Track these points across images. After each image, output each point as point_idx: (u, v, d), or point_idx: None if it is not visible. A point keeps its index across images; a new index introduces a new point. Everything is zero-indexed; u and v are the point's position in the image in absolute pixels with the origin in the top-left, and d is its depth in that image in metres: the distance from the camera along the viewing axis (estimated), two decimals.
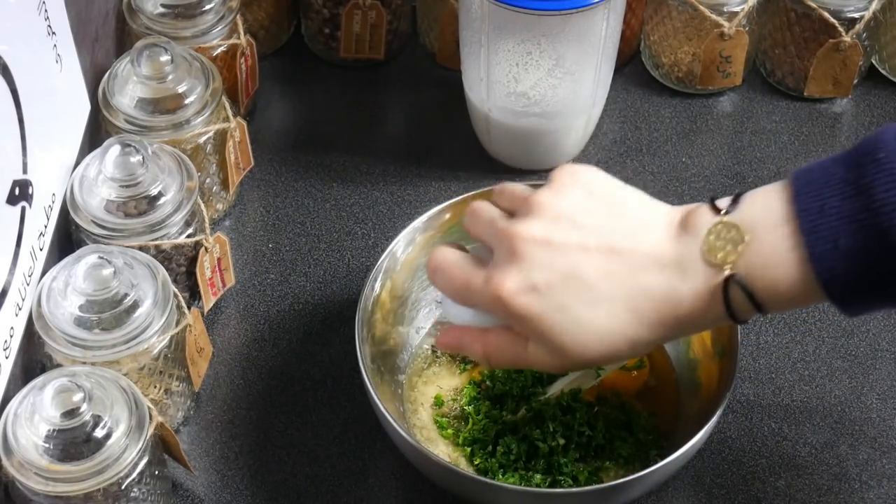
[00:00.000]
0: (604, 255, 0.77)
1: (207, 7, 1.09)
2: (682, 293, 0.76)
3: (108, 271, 0.89)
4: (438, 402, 0.97)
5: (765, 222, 0.74)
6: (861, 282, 0.72)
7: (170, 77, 1.02)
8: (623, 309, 0.77)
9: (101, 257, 0.89)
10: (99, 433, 0.83)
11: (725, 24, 1.15)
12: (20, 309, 0.90)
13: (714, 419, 0.86)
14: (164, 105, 1.02)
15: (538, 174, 1.15)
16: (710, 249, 0.75)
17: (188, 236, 0.99)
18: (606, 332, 0.77)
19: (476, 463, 0.93)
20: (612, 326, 0.77)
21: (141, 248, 0.95)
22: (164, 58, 1.02)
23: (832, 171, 0.73)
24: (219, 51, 1.11)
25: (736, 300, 0.75)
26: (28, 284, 0.91)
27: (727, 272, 0.74)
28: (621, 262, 0.77)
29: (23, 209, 0.91)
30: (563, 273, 0.77)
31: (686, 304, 0.76)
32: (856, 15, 1.15)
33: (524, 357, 0.80)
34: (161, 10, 1.09)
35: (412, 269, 1.00)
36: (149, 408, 0.86)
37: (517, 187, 0.84)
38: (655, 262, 0.76)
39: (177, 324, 0.93)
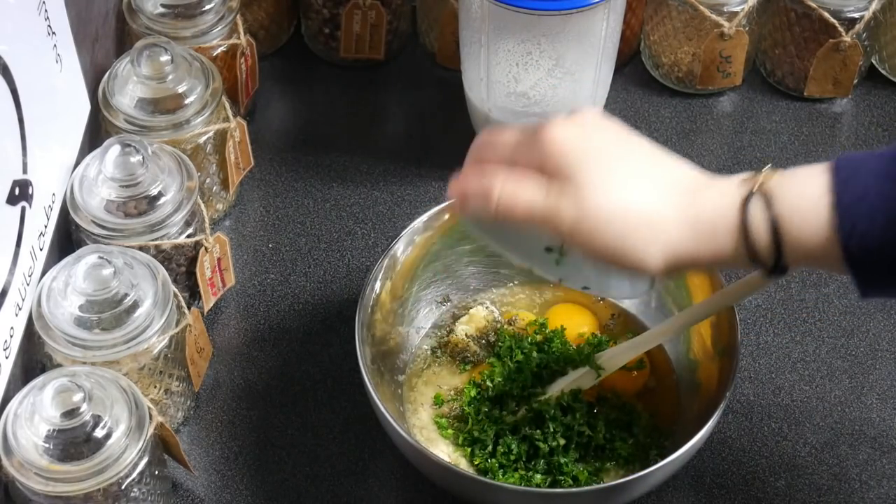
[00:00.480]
0: (645, 150, 0.79)
1: (207, 7, 1.09)
2: (708, 197, 0.76)
3: (108, 271, 0.89)
4: (438, 402, 0.97)
5: (800, 174, 0.74)
6: (882, 250, 0.70)
7: (170, 77, 1.02)
8: (652, 186, 0.76)
9: (101, 257, 0.89)
10: (99, 433, 0.83)
11: (725, 24, 1.15)
12: (20, 309, 0.90)
13: (714, 419, 0.86)
14: (164, 105, 1.02)
15: None
16: (742, 180, 0.76)
17: (188, 236, 0.99)
18: (631, 195, 0.76)
19: (476, 463, 0.93)
20: (637, 195, 0.76)
21: (141, 248, 0.95)
22: (164, 58, 1.02)
23: (873, 153, 0.73)
24: (219, 51, 1.11)
25: (755, 225, 0.73)
26: (28, 284, 0.91)
27: (753, 189, 0.74)
28: (656, 156, 0.79)
29: (23, 209, 0.91)
30: (607, 139, 0.78)
31: (709, 208, 0.75)
32: (856, 15, 1.15)
33: (538, 203, 0.77)
34: (161, 10, 1.09)
35: (412, 270, 1.00)
36: (149, 408, 0.86)
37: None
38: (687, 174, 0.78)
39: (177, 324, 0.93)
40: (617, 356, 0.94)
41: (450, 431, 0.95)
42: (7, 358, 0.88)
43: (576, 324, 1.00)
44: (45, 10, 0.94)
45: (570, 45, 1.05)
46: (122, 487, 0.84)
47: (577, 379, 0.94)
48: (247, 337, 1.04)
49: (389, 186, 1.15)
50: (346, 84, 1.24)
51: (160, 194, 0.96)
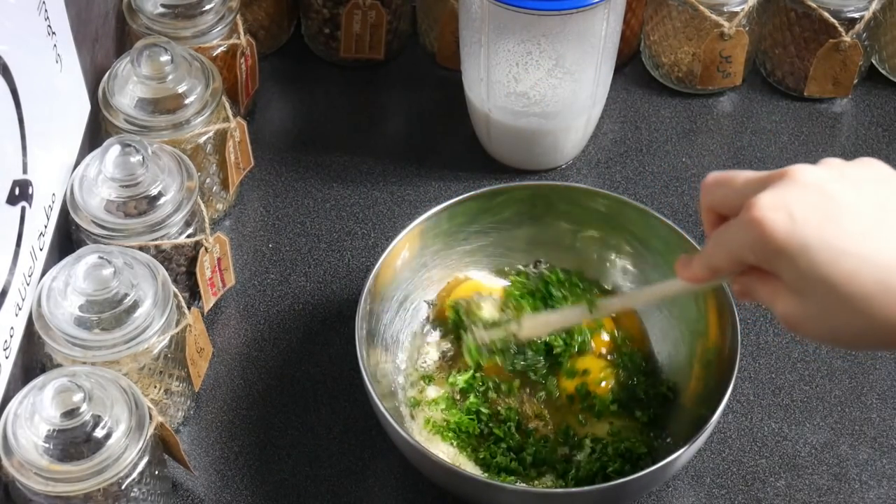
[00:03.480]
0: (875, 219, 0.70)
1: (207, 7, 1.09)
2: None
3: (108, 271, 0.89)
4: (439, 402, 0.97)
5: None
6: None
7: (170, 77, 1.02)
8: (869, 275, 0.68)
9: (101, 257, 0.89)
10: (99, 433, 0.83)
11: (725, 24, 1.15)
12: (20, 309, 0.90)
13: (714, 419, 0.86)
14: (164, 105, 1.02)
15: (538, 174, 1.15)
16: None
17: (188, 236, 0.99)
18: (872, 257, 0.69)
19: (476, 463, 0.93)
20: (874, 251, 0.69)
21: (141, 248, 0.95)
22: (164, 58, 1.02)
23: None
24: (219, 51, 1.11)
25: None
26: (28, 284, 0.91)
27: None
28: (889, 232, 0.70)
29: (23, 209, 0.91)
30: (825, 214, 0.69)
31: None
32: (856, 15, 1.15)
33: (780, 306, 0.71)
34: (161, 10, 1.09)
35: (412, 270, 1.00)
36: (149, 408, 0.86)
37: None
38: None
39: (177, 324, 0.93)
40: (612, 303, 0.92)
41: (449, 433, 0.95)
42: (7, 358, 0.88)
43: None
44: (45, 10, 0.94)
45: (570, 45, 1.05)
46: (122, 487, 0.84)
47: (567, 317, 0.93)
48: (247, 337, 1.05)
49: (389, 186, 1.15)
50: (346, 84, 1.24)
51: (160, 194, 0.96)
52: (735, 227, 0.71)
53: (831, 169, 0.72)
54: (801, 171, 0.71)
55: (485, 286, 1.00)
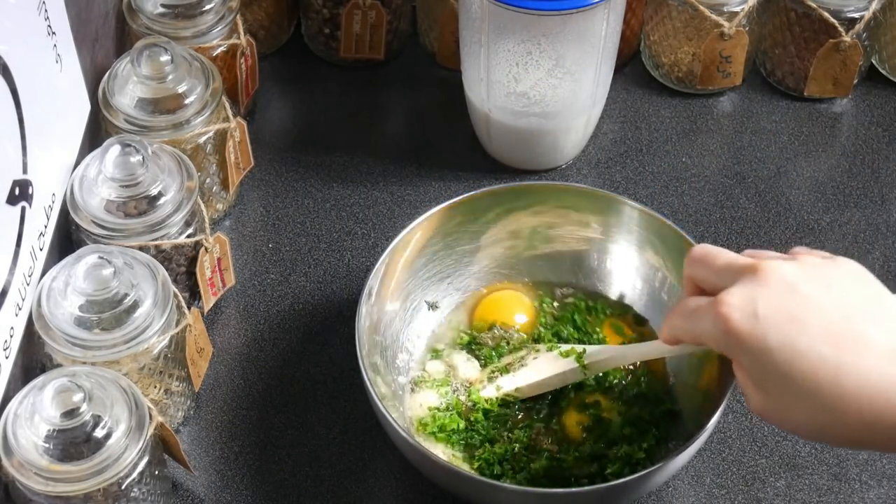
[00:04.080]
0: (838, 321, 0.72)
1: (207, 7, 1.09)
2: None
3: (108, 271, 0.89)
4: (441, 409, 0.97)
5: None
6: None
7: (170, 77, 1.02)
8: (826, 375, 0.71)
9: (101, 257, 0.89)
10: (99, 433, 0.83)
11: (725, 24, 1.15)
12: (20, 309, 0.90)
13: (714, 419, 0.86)
14: (164, 105, 1.02)
15: (538, 174, 1.15)
16: None
17: (188, 236, 0.99)
18: (808, 384, 0.72)
19: (476, 463, 0.93)
20: (812, 381, 0.72)
21: (141, 248, 0.95)
22: (164, 58, 1.02)
23: None
24: (219, 51, 1.11)
25: None
26: (28, 284, 0.91)
27: None
28: (850, 334, 0.72)
29: (23, 209, 0.91)
30: (788, 315, 0.73)
31: None
32: (856, 15, 1.15)
33: (747, 393, 0.76)
34: (161, 10, 1.09)
35: (412, 270, 1.00)
36: (149, 408, 0.86)
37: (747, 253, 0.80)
38: (888, 352, 0.72)
39: (177, 324, 0.93)
40: (606, 360, 0.94)
41: (446, 434, 0.95)
42: (7, 358, 0.88)
43: (512, 313, 1.01)
44: (45, 10, 0.94)
45: (570, 45, 1.05)
46: (122, 487, 0.84)
47: (564, 376, 0.94)
48: (247, 337, 1.05)
49: (389, 186, 1.15)
50: (346, 84, 1.24)
51: (160, 194, 0.96)
52: (703, 312, 0.76)
53: (805, 267, 0.75)
54: (774, 268, 0.74)
55: (524, 300, 1.02)
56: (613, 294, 1.02)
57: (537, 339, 0.99)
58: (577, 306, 1.01)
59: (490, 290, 1.03)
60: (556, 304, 1.02)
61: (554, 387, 0.95)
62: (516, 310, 1.01)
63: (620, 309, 1.01)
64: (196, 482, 0.95)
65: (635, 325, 1.01)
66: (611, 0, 1.02)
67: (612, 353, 0.94)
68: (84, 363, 0.88)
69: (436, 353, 0.99)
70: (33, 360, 0.92)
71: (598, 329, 0.99)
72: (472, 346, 0.99)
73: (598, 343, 0.98)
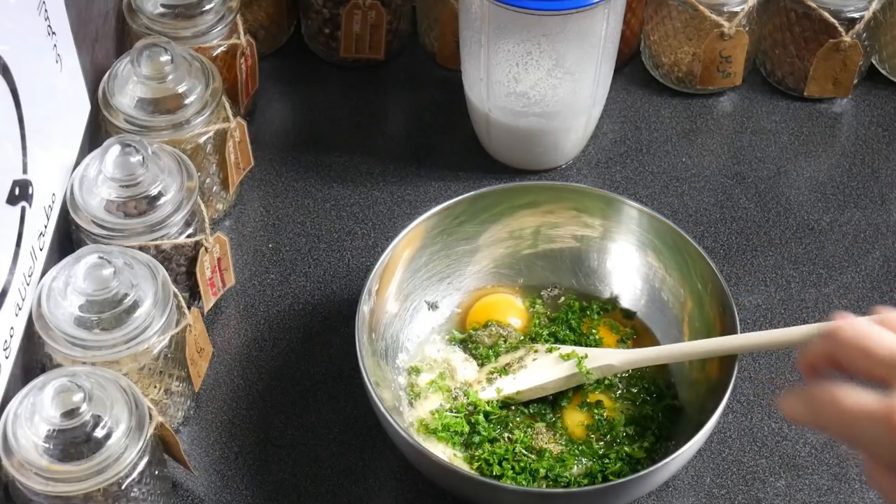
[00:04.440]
0: None
1: (207, 7, 1.09)
2: None
3: (108, 271, 0.89)
4: (441, 411, 0.97)
5: None
6: None
7: (170, 77, 1.02)
8: None
9: (101, 257, 0.89)
10: (99, 433, 0.83)
11: (725, 24, 1.15)
12: (20, 309, 0.90)
13: (714, 419, 0.86)
14: (164, 105, 1.02)
15: (538, 174, 1.15)
16: None
17: (188, 236, 0.99)
18: None
19: (476, 463, 0.93)
20: None
21: (141, 248, 0.95)
22: (164, 58, 1.02)
23: None
24: (219, 51, 1.11)
25: None
26: (28, 284, 0.91)
27: None
28: None
29: (23, 209, 0.91)
30: None
31: None
32: (856, 15, 1.15)
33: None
34: (161, 10, 1.09)
35: (412, 270, 1.00)
36: (149, 408, 0.86)
37: None
38: None
39: (177, 324, 0.93)
40: (607, 368, 0.95)
41: (447, 434, 0.95)
42: (7, 358, 0.88)
43: (505, 315, 1.01)
44: (45, 10, 0.94)
45: (570, 45, 1.05)
46: (122, 487, 0.84)
47: (564, 381, 0.95)
48: (247, 337, 1.04)
49: (389, 186, 1.15)
50: (346, 84, 1.24)
51: (160, 194, 0.96)
52: (868, 418, 0.64)
53: None
54: None
55: (516, 305, 1.02)
56: (611, 294, 1.02)
57: (534, 339, 0.99)
58: (571, 307, 1.01)
59: (481, 294, 1.03)
60: (548, 306, 1.02)
61: (555, 391, 0.95)
62: (509, 313, 1.01)
63: (610, 305, 1.02)
64: (196, 482, 0.95)
65: (624, 318, 1.01)
66: (611, 0, 1.02)
67: (612, 359, 0.94)
68: (84, 363, 0.88)
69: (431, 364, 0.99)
70: (33, 360, 0.92)
71: (593, 330, 0.99)
72: (468, 344, 0.99)
73: (595, 344, 0.98)
